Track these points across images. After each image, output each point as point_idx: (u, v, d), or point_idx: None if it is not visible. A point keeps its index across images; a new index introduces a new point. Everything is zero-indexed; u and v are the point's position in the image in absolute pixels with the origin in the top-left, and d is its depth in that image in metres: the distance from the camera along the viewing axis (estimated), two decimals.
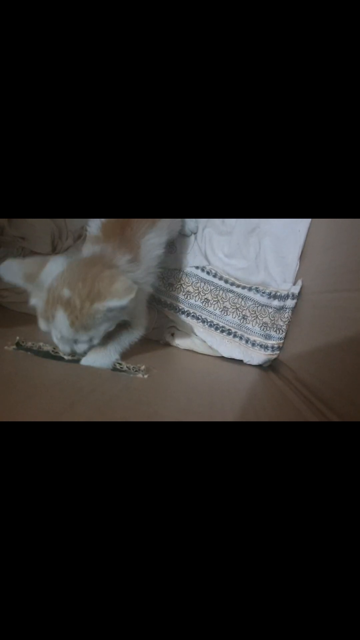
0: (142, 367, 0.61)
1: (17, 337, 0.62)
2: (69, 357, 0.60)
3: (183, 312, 0.86)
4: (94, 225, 0.62)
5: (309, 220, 0.84)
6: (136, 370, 0.60)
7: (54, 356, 0.60)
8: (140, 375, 0.59)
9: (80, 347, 0.56)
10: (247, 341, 0.82)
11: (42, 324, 0.55)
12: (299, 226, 0.84)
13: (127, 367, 0.61)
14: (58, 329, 0.53)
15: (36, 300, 0.55)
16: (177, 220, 0.77)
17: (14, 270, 0.54)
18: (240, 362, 0.81)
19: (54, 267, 0.54)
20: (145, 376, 0.59)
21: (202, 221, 0.88)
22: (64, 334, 0.53)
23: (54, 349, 0.61)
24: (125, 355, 0.64)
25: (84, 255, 0.57)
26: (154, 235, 0.63)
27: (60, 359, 0.60)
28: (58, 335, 0.54)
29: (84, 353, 0.58)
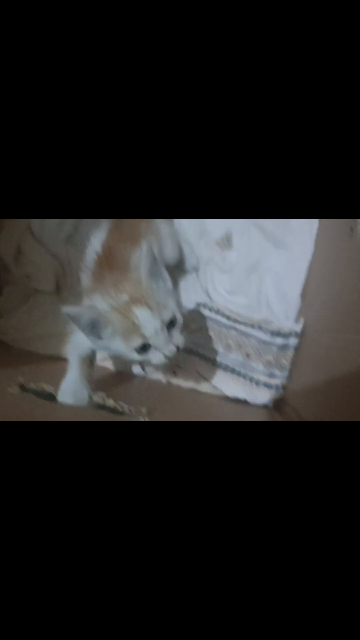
0: (144, 410, 0.60)
1: (20, 379, 0.62)
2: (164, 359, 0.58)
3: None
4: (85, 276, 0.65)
5: (309, 258, 0.85)
6: (138, 413, 0.60)
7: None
8: (141, 418, 0.58)
9: (176, 337, 0.58)
10: (251, 380, 0.81)
11: (133, 354, 0.55)
12: (300, 263, 0.85)
13: (128, 409, 0.61)
14: (149, 327, 0.54)
15: (116, 344, 0.55)
16: (166, 240, 0.77)
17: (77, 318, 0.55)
18: (244, 402, 0.80)
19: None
20: (147, 418, 0.58)
21: (203, 258, 0.89)
22: (154, 325, 0.54)
23: (57, 390, 0.61)
24: (123, 395, 0.63)
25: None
26: (141, 255, 0.61)
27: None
28: (153, 335, 0.54)
29: (180, 345, 0.59)
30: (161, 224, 0.76)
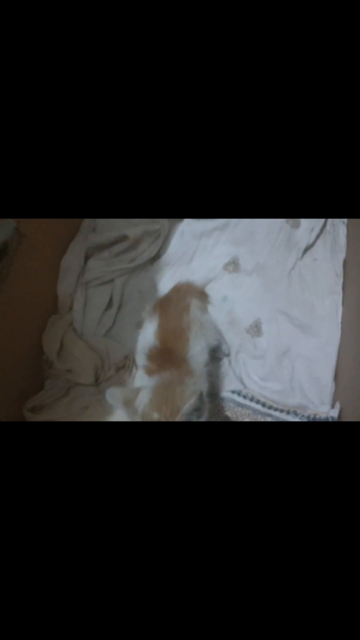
0: None
1: None
2: None
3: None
4: (141, 355, 0.72)
5: (337, 341, 0.88)
6: None
7: None
8: None
9: None
10: None
11: None
12: (329, 348, 0.88)
13: None
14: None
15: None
16: (208, 328, 0.82)
17: (116, 396, 0.64)
18: None
19: (144, 397, 0.62)
20: None
21: (235, 345, 0.93)
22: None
23: None
24: None
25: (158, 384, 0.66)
26: (193, 345, 0.71)
27: None
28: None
29: None
30: (201, 313, 0.82)
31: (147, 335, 0.73)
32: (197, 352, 0.72)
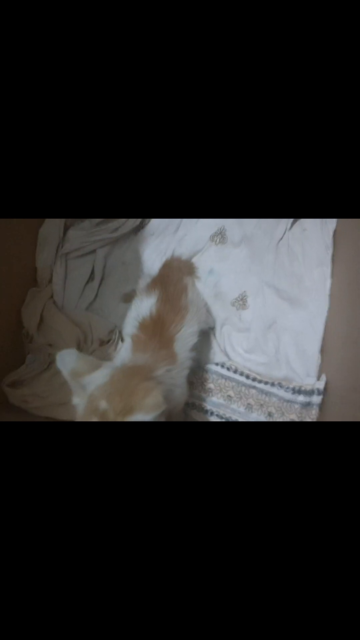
0: None
1: None
2: None
3: (206, 412, 0.84)
4: (131, 325, 0.68)
5: (325, 313, 0.86)
6: None
7: None
8: None
9: None
10: None
11: None
12: (316, 320, 0.86)
13: None
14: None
15: (78, 401, 0.57)
16: (202, 310, 0.81)
17: (66, 362, 0.56)
18: None
19: (100, 375, 0.55)
20: None
21: (220, 318, 0.91)
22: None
23: None
24: None
25: (126, 363, 0.61)
26: (186, 327, 0.69)
27: None
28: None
29: None
30: (197, 295, 0.81)
31: (143, 306, 0.70)
32: (187, 334, 0.69)
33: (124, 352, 0.67)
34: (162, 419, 0.54)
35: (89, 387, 0.54)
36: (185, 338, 0.69)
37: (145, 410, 0.50)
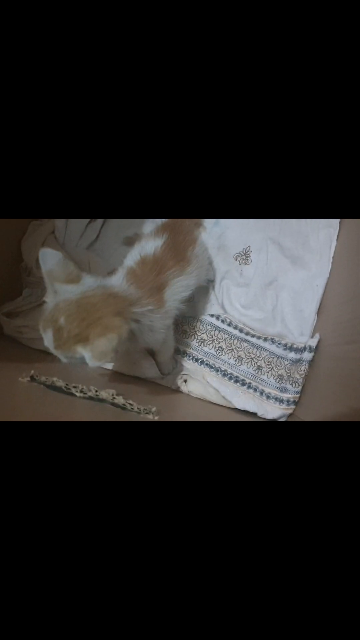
0: (153, 409, 0.59)
1: (32, 371, 0.63)
2: (81, 394, 0.59)
3: (196, 360, 0.85)
4: (130, 259, 0.67)
5: (326, 275, 0.86)
6: (147, 412, 0.59)
7: (67, 392, 0.60)
8: (150, 416, 0.57)
9: (71, 360, 0.56)
10: (261, 393, 0.80)
11: (40, 327, 0.57)
12: (317, 281, 0.85)
13: (137, 407, 0.60)
14: (46, 343, 0.55)
15: (48, 301, 0.57)
16: (204, 266, 0.80)
17: (47, 262, 0.56)
18: (254, 415, 0.78)
19: (72, 290, 0.55)
20: (156, 418, 0.57)
21: (220, 272, 0.90)
22: (50, 349, 0.55)
23: (67, 385, 0.61)
24: (135, 396, 0.63)
25: (105, 286, 0.59)
26: (183, 278, 0.68)
27: (72, 395, 0.60)
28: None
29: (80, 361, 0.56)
30: (203, 250, 0.79)
31: (148, 246, 0.68)
32: (182, 285, 0.68)
33: (112, 278, 0.64)
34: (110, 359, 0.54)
35: (59, 296, 0.54)
36: (178, 287, 0.67)
37: (92, 353, 0.49)
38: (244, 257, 0.91)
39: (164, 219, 0.78)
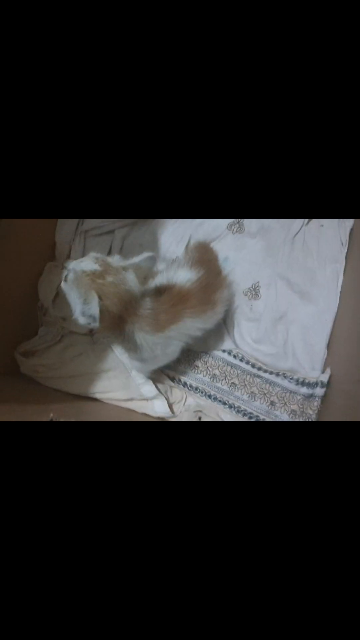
0: None
1: (51, 415, 0.64)
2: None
3: (209, 396, 0.86)
4: (159, 277, 0.72)
5: (335, 309, 0.87)
6: None
7: None
8: None
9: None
10: None
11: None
12: (326, 315, 0.87)
13: None
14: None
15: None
16: (222, 312, 0.80)
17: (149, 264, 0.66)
18: None
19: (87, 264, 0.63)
20: None
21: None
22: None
23: None
24: None
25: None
26: (198, 321, 0.70)
27: None
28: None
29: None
30: (231, 295, 0.83)
31: (180, 274, 0.71)
32: (193, 327, 0.70)
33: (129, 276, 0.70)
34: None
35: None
36: (190, 327, 0.70)
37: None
38: (253, 293, 0.93)
39: (196, 253, 0.79)
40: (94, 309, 0.58)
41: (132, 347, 0.68)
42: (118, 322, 0.63)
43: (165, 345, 0.70)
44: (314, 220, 0.96)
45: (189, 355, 0.88)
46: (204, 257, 0.77)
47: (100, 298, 0.59)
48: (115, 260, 0.65)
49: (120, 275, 0.62)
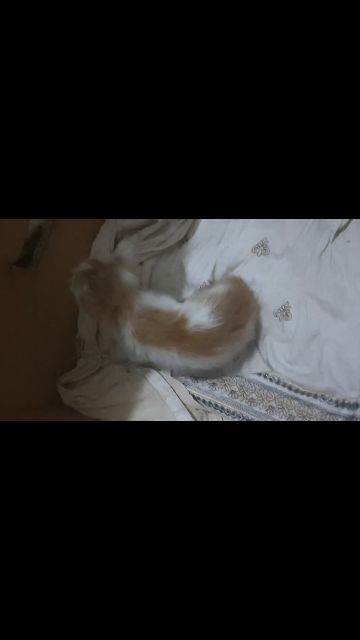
0: None
1: None
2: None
3: (248, 421, 0.86)
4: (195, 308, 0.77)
5: None
6: None
7: None
8: None
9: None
10: None
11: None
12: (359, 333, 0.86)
13: None
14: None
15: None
16: (244, 345, 0.84)
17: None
18: None
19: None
20: None
21: (262, 328, 0.93)
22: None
23: None
24: None
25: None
26: (226, 351, 0.77)
27: None
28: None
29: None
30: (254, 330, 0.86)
31: (201, 314, 0.75)
32: (224, 355, 0.77)
33: (162, 297, 0.81)
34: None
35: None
36: (218, 357, 0.76)
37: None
38: (284, 313, 0.93)
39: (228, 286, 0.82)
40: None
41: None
42: (114, 311, 0.74)
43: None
44: (340, 236, 0.96)
45: (225, 380, 0.89)
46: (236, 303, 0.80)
47: (93, 290, 0.72)
48: (147, 298, 0.76)
49: (110, 271, 0.74)
